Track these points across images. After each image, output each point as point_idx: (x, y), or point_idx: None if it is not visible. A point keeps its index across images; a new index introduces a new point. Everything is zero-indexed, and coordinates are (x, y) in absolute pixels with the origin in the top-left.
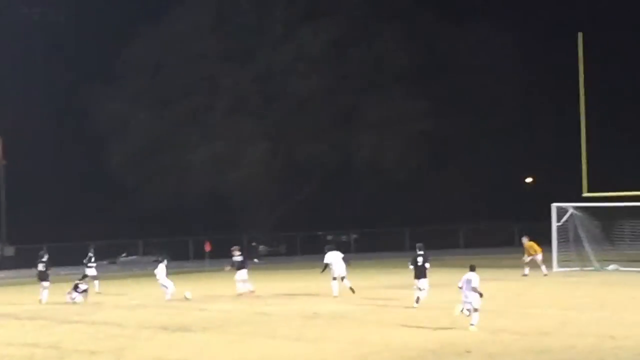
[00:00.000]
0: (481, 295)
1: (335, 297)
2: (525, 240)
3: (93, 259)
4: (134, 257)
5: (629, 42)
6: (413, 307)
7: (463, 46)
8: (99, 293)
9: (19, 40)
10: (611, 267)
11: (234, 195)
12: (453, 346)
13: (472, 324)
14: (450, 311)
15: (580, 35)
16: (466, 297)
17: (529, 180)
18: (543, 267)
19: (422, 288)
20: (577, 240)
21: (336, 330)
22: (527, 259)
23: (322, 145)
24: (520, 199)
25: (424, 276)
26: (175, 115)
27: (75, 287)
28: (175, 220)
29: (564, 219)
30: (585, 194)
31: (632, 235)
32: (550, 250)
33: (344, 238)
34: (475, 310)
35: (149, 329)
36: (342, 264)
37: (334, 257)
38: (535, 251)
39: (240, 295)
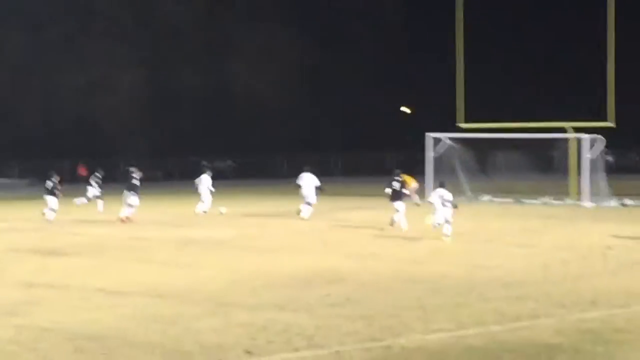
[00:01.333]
0: (455, 206)
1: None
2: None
3: None
4: (7, 180)
5: None
6: (385, 229)
7: None
8: None
9: None
10: (485, 197)
11: (109, 121)
12: (326, 273)
13: (446, 235)
14: (321, 235)
15: None
16: (437, 211)
17: (405, 110)
18: (415, 197)
19: (398, 209)
20: (452, 171)
21: (211, 256)
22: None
23: (198, 73)
24: (396, 128)
25: (400, 199)
26: (49, 39)
27: None
28: (49, 144)
29: (439, 149)
30: (461, 125)
31: (506, 166)
32: (424, 181)
33: (220, 165)
34: (448, 222)
35: (18, 252)
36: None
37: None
38: (408, 184)
39: (122, 219)
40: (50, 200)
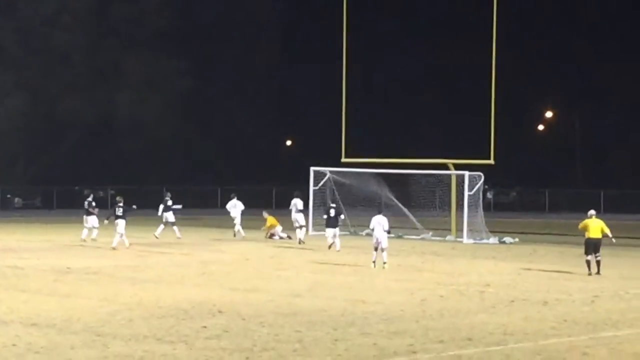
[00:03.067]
0: (389, 232)
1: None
2: (265, 215)
3: None
4: None
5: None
6: (326, 251)
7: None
8: None
9: None
10: (366, 231)
11: None
12: (204, 305)
13: (384, 262)
14: (203, 269)
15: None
16: (376, 238)
17: (288, 143)
18: (282, 234)
19: (334, 235)
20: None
21: (89, 286)
22: (267, 233)
23: (83, 100)
24: (280, 161)
25: (335, 226)
26: None
27: None
28: None
29: (321, 182)
30: (344, 160)
31: (388, 199)
32: (307, 214)
33: (101, 193)
34: (383, 250)
35: None
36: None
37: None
38: (272, 225)
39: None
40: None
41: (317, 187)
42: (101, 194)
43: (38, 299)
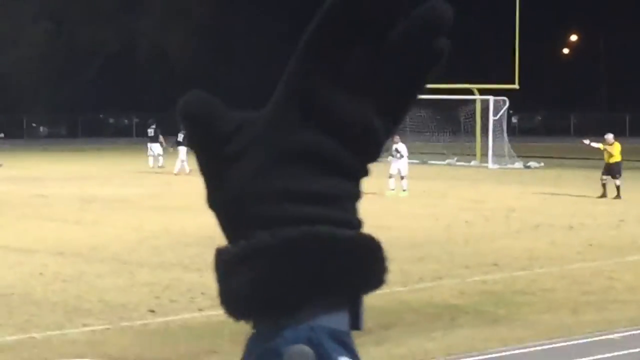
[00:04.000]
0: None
1: None
2: None
3: None
4: None
5: None
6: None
7: None
8: None
9: None
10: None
11: (14, 76)
12: None
13: (404, 190)
14: None
15: None
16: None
17: None
18: None
19: None
20: None
21: (115, 214)
22: None
23: (106, 29)
24: None
25: None
26: None
27: None
28: None
29: None
30: None
31: (412, 127)
32: None
33: (126, 122)
34: (402, 177)
35: None
36: None
37: None
38: None
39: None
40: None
41: None
42: (125, 122)
43: (64, 227)
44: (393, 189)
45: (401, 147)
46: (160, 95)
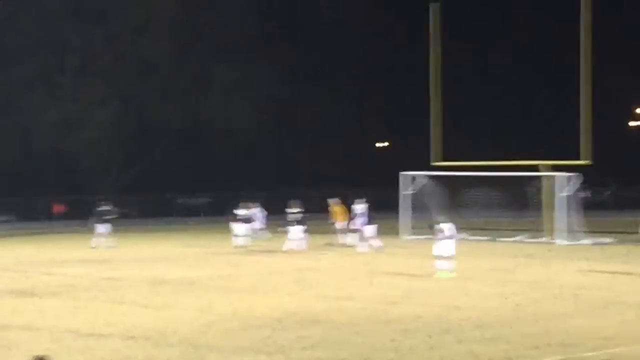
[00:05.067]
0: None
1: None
2: (333, 203)
3: None
4: None
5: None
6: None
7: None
8: None
9: None
10: (459, 235)
11: (83, 157)
12: (299, 314)
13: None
14: (297, 275)
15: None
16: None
17: (381, 145)
18: (344, 237)
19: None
20: (425, 209)
21: (184, 297)
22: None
23: (173, 108)
24: (371, 164)
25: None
26: (24, 74)
27: None
28: (22, 180)
29: (412, 187)
30: (435, 163)
31: (480, 204)
32: (396, 218)
33: (194, 201)
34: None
35: None
36: None
37: None
38: (337, 217)
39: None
40: None
41: (408, 192)
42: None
43: (134, 310)
44: (443, 270)
45: (446, 226)
46: (229, 173)
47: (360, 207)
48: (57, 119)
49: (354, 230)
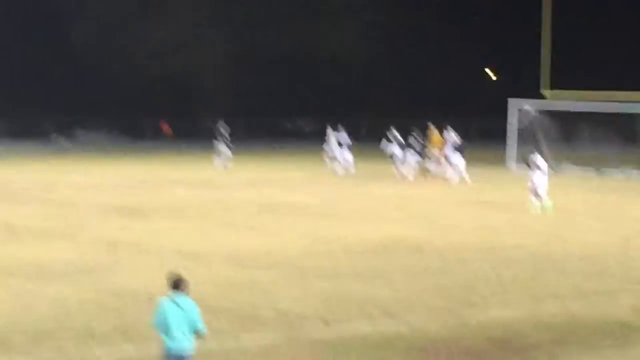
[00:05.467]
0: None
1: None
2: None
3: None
4: (92, 134)
5: None
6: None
7: None
8: None
9: None
10: (566, 168)
11: (193, 80)
12: (403, 241)
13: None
14: (402, 202)
15: None
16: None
17: (490, 73)
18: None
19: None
20: (534, 140)
21: (291, 220)
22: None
23: (283, 33)
24: (477, 93)
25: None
26: None
27: None
28: (132, 100)
29: (521, 117)
30: (545, 92)
31: (591, 136)
32: (504, 149)
33: (305, 129)
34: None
35: (102, 210)
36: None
37: None
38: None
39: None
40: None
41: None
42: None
43: (240, 233)
44: (539, 204)
45: (538, 159)
46: (338, 99)
47: (452, 136)
48: (168, 41)
49: (447, 159)
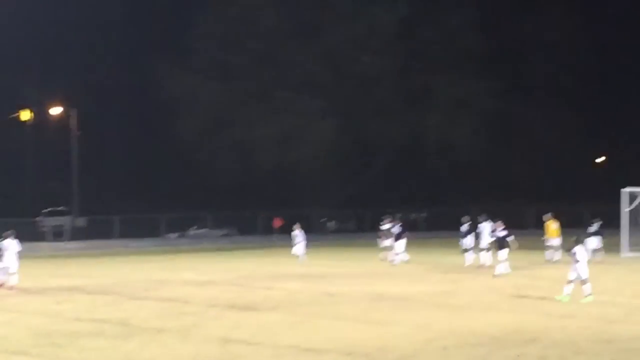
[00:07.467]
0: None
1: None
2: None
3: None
4: (203, 230)
5: None
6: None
7: (531, 28)
8: None
9: (97, 14)
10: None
11: (301, 172)
12: (517, 333)
13: (586, 295)
14: (516, 292)
15: None
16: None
17: (599, 160)
18: (554, 253)
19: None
20: None
21: (402, 313)
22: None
23: (392, 124)
24: (589, 180)
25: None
26: (244, 90)
27: None
28: (243, 194)
29: (635, 203)
30: None
31: None
32: (619, 235)
33: (412, 216)
34: (583, 282)
35: (215, 307)
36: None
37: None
38: (550, 234)
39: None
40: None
41: (629, 208)
42: (413, 216)
43: (353, 326)
44: (567, 294)
45: (578, 249)
46: (447, 188)
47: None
48: (277, 134)
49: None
